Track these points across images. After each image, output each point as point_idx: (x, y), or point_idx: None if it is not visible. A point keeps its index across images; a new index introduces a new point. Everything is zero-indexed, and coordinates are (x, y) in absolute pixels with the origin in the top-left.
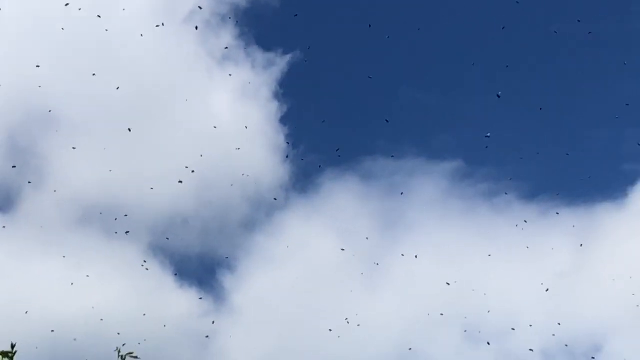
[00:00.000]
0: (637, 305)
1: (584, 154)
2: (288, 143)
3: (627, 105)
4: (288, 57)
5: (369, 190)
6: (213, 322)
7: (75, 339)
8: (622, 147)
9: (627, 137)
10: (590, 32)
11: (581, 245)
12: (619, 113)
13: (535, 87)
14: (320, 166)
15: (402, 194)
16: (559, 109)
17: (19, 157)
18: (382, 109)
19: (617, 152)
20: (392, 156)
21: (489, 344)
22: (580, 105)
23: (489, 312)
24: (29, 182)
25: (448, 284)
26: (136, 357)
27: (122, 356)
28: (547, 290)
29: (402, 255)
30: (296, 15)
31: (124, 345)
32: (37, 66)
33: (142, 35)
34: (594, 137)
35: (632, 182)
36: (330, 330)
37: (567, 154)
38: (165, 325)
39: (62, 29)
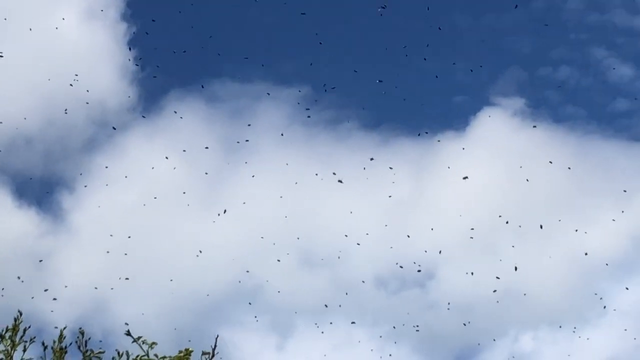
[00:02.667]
0: (471, 237)
1: (421, 86)
2: (137, 65)
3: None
4: None
5: (214, 112)
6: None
7: None
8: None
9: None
10: None
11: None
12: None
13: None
14: (164, 87)
15: (249, 125)
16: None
17: None
18: (231, 32)
19: (450, 84)
20: (239, 79)
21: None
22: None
23: (325, 237)
24: None
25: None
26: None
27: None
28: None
29: (244, 179)
30: None
31: None
32: None
33: None
34: (428, 69)
35: (470, 113)
36: (167, 249)
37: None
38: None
39: None
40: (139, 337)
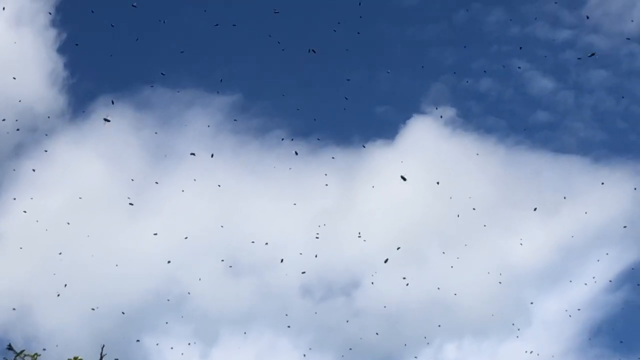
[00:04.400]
0: (398, 247)
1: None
2: (66, 71)
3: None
4: None
5: (144, 119)
6: None
7: None
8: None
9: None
10: None
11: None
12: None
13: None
14: (93, 93)
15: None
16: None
17: None
18: (166, 38)
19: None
20: (170, 86)
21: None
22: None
23: (252, 244)
24: None
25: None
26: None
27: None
28: (317, 236)
29: (171, 186)
30: None
31: None
32: None
33: None
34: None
35: (399, 122)
36: (93, 255)
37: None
38: None
39: None
40: (22, 351)
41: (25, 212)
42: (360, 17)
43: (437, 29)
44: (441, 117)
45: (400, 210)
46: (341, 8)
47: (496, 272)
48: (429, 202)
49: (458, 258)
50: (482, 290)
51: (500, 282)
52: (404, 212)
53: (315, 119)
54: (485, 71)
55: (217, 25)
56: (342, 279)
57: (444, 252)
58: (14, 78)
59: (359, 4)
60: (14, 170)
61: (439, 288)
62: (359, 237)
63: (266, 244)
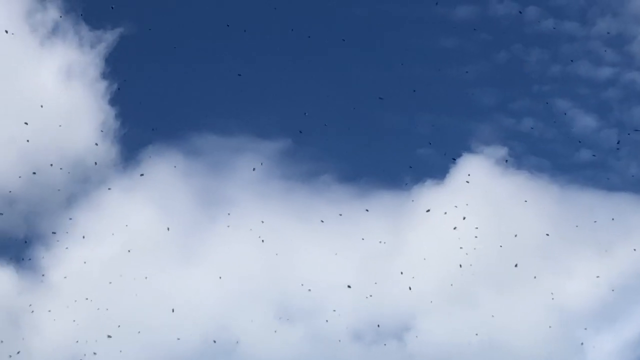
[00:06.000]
0: (451, 285)
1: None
2: (117, 121)
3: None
4: (116, 32)
5: (193, 166)
6: (21, 296)
7: None
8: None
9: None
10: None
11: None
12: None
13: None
14: (143, 142)
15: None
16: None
17: None
18: (214, 84)
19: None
20: (219, 133)
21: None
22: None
23: (302, 292)
24: None
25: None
26: None
27: None
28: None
29: (222, 233)
30: None
31: None
32: None
33: None
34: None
35: (447, 162)
36: (145, 304)
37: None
38: None
39: None
40: None
41: (79, 262)
42: (401, 60)
43: (477, 69)
44: (492, 156)
45: (451, 250)
46: (381, 51)
47: (548, 313)
48: (480, 242)
49: (509, 299)
50: (534, 330)
51: (552, 323)
52: (455, 253)
53: (362, 163)
54: (527, 110)
55: (265, 72)
56: (392, 323)
57: (494, 293)
58: (64, 130)
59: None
60: (70, 219)
61: (491, 329)
62: (410, 278)
63: (309, 290)
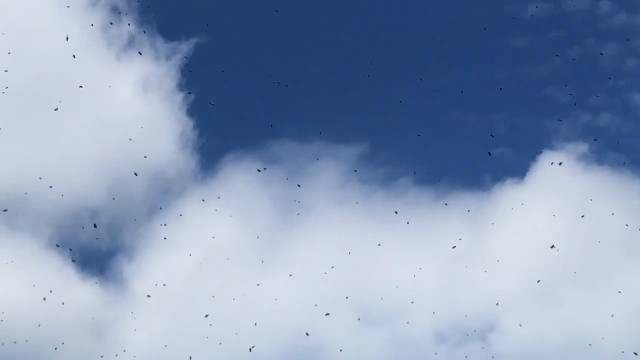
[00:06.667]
0: (538, 281)
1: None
2: (195, 133)
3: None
4: (191, 43)
5: (271, 173)
6: (106, 308)
7: None
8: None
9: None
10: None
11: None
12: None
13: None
14: (222, 151)
15: (299, 186)
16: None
17: None
18: (289, 92)
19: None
20: (297, 139)
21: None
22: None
23: (383, 295)
24: None
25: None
26: None
27: None
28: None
29: (301, 239)
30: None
31: None
32: None
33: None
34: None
35: (526, 161)
36: (227, 313)
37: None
38: (63, 317)
39: None
40: None
41: (165, 272)
42: (474, 58)
43: (551, 66)
44: (572, 153)
45: (534, 249)
46: (455, 52)
47: (634, 311)
48: (564, 239)
49: (594, 297)
50: (620, 329)
51: (638, 322)
52: (537, 252)
53: (440, 164)
54: (604, 106)
55: (341, 77)
56: (476, 323)
57: (579, 293)
58: (143, 142)
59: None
60: (145, 232)
61: (576, 330)
62: (493, 278)
63: (390, 293)
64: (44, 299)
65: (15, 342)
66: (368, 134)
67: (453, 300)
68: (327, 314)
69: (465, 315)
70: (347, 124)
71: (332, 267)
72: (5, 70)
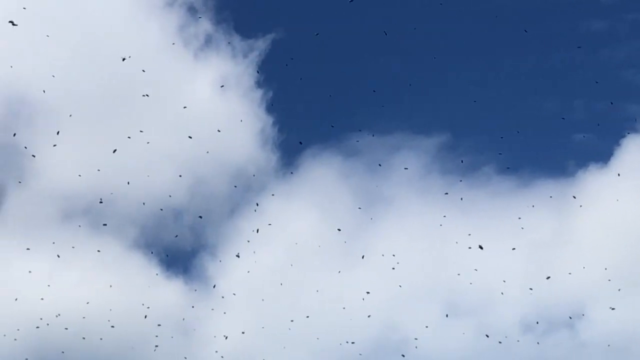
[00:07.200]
0: (623, 271)
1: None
2: (274, 129)
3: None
4: (267, 40)
5: (352, 166)
6: (193, 307)
7: (66, 328)
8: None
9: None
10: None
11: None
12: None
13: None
14: (301, 143)
15: (379, 165)
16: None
17: (1, 154)
18: (368, 85)
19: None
20: (376, 132)
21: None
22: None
23: (467, 288)
24: (20, 182)
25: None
26: None
27: None
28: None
29: (384, 231)
30: None
31: None
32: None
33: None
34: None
35: (610, 146)
36: (313, 305)
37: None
38: (147, 317)
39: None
40: None
41: (249, 269)
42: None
43: (629, 49)
44: None
45: (620, 236)
46: (531, 38)
47: None
48: None
49: None
50: None
51: None
52: (624, 238)
53: (522, 153)
54: None
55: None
56: (562, 312)
57: None
58: (223, 140)
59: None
60: (228, 230)
61: None
62: (578, 266)
63: (475, 284)
64: (138, 296)
65: (101, 339)
66: (449, 124)
67: (539, 288)
68: (412, 306)
69: (552, 304)
70: (427, 114)
71: (415, 258)
72: (86, 73)
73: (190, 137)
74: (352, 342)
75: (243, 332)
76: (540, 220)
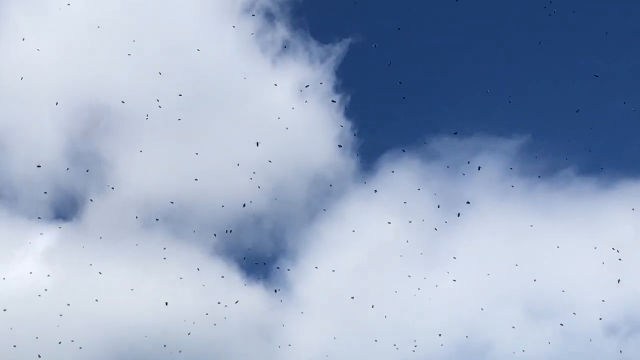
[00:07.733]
0: None
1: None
2: (354, 134)
3: None
4: (344, 45)
5: (431, 169)
6: (273, 312)
7: (146, 336)
8: None
9: None
10: None
11: None
12: None
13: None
14: (380, 150)
15: (463, 174)
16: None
17: (82, 162)
18: (445, 87)
19: None
20: (456, 134)
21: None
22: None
23: (550, 288)
24: (111, 188)
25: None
26: None
27: None
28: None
29: (464, 235)
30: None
31: None
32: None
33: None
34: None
35: None
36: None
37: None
38: (229, 323)
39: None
40: None
41: (329, 274)
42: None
43: None
44: None
45: None
46: (612, 39)
47: None
48: None
49: None
50: None
51: None
52: None
53: (603, 154)
54: None
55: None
56: None
57: None
58: (302, 146)
59: None
60: (312, 234)
61: None
62: None
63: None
64: (218, 303)
65: (180, 351)
66: (529, 126)
67: (622, 290)
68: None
69: (636, 305)
70: (507, 116)
71: (496, 261)
72: (165, 81)
73: (257, 144)
74: (429, 347)
75: (322, 336)
76: (623, 222)
